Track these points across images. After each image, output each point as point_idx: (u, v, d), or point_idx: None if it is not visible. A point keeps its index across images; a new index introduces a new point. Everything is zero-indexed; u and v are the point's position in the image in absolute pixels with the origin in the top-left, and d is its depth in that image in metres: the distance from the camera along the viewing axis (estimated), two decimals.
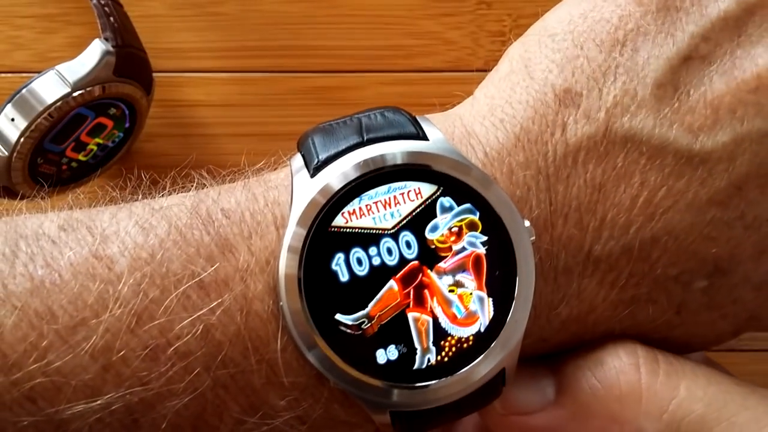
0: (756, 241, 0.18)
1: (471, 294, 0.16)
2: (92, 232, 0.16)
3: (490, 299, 0.16)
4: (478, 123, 0.18)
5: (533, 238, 0.17)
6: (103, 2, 0.31)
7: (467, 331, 0.16)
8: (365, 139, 0.17)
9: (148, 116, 0.34)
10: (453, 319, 0.16)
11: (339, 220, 0.16)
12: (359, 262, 0.16)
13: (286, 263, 0.16)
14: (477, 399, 0.17)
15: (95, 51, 0.29)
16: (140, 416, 0.15)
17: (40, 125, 0.28)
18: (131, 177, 0.19)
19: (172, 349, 0.15)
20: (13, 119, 0.28)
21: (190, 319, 0.15)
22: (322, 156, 0.16)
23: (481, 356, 0.16)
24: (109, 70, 0.29)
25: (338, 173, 0.16)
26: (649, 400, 0.17)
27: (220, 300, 0.16)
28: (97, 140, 0.32)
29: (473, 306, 0.16)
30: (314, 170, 0.16)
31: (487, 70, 0.20)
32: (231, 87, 0.36)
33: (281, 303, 0.16)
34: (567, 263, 0.17)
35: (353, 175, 0.16)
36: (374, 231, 0.16)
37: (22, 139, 0.28)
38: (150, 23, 0.35)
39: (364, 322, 0.16)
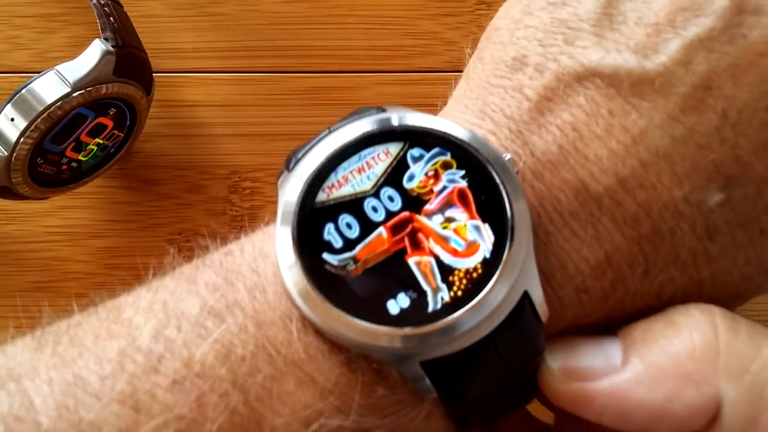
0: (753, 136, 0.17)
1: (465, 225, 0.16)
2: (109, 308, 0.18)
3: (486, 224, 0.16)
4: (447, 117, 0.19)
5: (517, 170, 0.17)
6: (103, 2, 0.31)
7: (473, 261, 0.16)
8: (331, 130, 0.18)
9: (148, 116, 0.34)
10: (454, 253, 0.16)
11: (321, 196, 0.17)
12: (348, 226, 0.16)
13: (284, 250, 0.16)
14: (510, 333, 0.16)
15: (95, 51, 0.29)
16: None
17: (39, 125, 0.28)
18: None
19: (195, 375, 0.16)
20: (12, 119, 0.28)
21: (207, 343, 0.16)
22: (297, 155, 0.18)
23: (493, 279, 0.16)
24: (109, 70, 0.29)
25: (312, 159, 0.17)
26: (728, 358, 0.16)
27: (232, 320, 0.16)
28: (97, 140, 0.32)
29: (471, 235, 0.16)
30: (292, 167, 0.18)
31: None
32: (231, 87, 0.36)
33: (287, 285, 0.16)
34: (571, 207, 0.17)
35: (323, 156, 0.17)
36: (356, 196, 0.17)
37: (21, 139, 0.28)
38: (150, 23, 0.35)
39: (349, 263, 0.16)
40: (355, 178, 0.17)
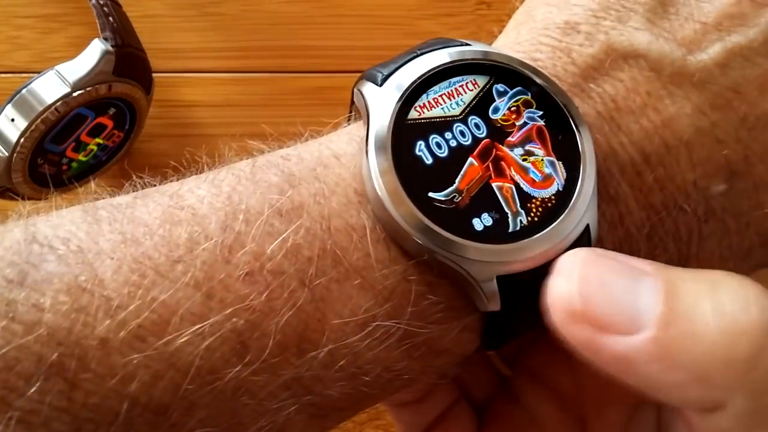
0: (764, 142, 0.19)
1: (542, 160, 0.18)
2: (166, 194, 0.18)
3: (560, 162, 0.18)
4: None
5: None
6: (102, 2, 0.31)
7: (548, 192, 0.18)
8: (418, 53, 0.19)
9: (147, 116, 0.34)
10: (532, 183, 0.18)
11: (413, 114, 0.18)
12: (438, 145, 0.18)
13: (376, 157, 0.18)
14: None
15: (95, 51, 0.29)
16: (247, 338, 0.16)
17: (40, 125, 0.29)
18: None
19: (266, 270, 0.16)
20: (13, 119, 0.28)
21: (277, 242, 0.17)
22: (385, 71, 0.19)
23: (566, 210, 0.18)
24: (108, 70, 0.29)
25: (403, 77, 0.19)
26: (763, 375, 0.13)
27: (300, 222, 0.17)
28: (97, 140, 0.32)
29: (547, 170, 0.18)
30: (381, 81, 0.19)
31: None
32: (231, 87, 0.36)
33: (377, 191, 0.17)
34: (599, 167, 0.19)
35: (416, 76, 0.19)
36: (446, 118, 0.18)
37: (22, 140, 0.29)
38: (150, 23, 0.36)
39: (455, 196, 0.18)
40: (445, 103, 0.18)
